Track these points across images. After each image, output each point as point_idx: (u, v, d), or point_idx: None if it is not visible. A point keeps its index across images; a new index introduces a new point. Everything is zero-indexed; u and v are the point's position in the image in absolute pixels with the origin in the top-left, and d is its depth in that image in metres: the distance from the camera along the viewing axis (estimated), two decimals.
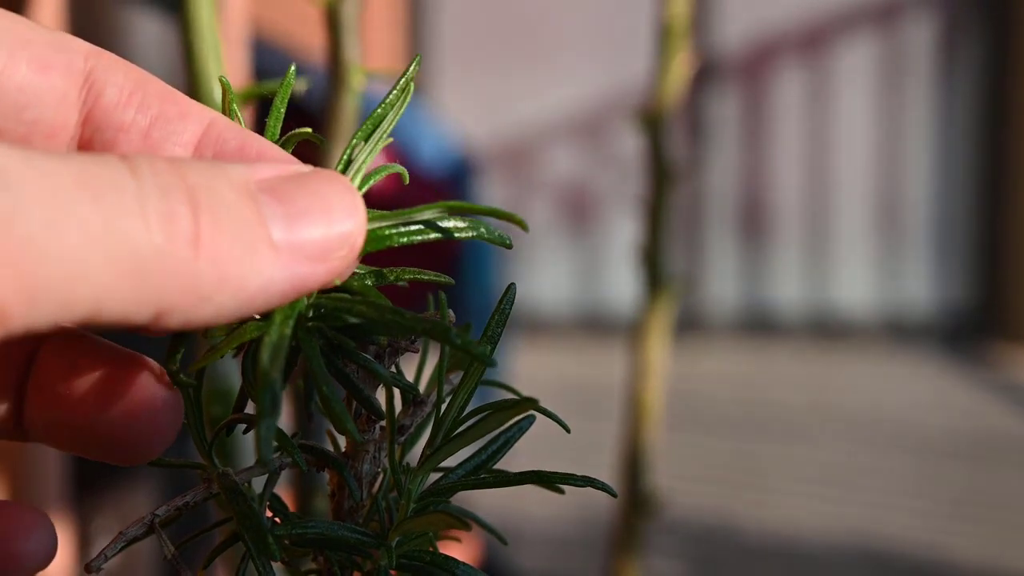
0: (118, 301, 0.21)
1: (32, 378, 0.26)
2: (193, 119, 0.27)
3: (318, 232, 0.23)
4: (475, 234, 0.27)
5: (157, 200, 0.21)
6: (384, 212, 0.26)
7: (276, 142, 0.28)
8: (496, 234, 0.27)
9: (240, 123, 0.28)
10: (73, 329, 0.25)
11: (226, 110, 0.28)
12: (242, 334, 0.24)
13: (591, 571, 1.79)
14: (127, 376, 0.26)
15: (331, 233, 0.24)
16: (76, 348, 0.26)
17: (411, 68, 0.28)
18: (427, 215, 0.26)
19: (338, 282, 0.25)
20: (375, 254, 0.27)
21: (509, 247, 0.28)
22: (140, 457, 0.26)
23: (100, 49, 0.27)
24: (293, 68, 0.27)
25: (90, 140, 0.26)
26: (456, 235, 0.26)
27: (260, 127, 0.28)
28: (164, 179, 0.22)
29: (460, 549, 0.31)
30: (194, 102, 0.27)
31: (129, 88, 0.26)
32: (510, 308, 0.27)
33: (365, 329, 0.25)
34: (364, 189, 0.27)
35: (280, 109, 0.28)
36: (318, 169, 0.25)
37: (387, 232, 0.26)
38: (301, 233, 0.23)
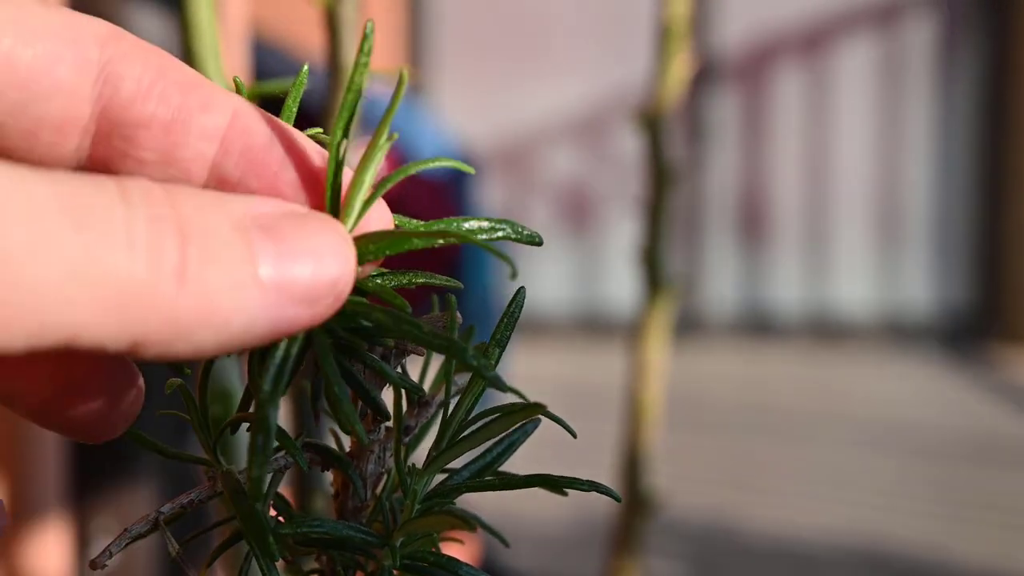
0: (96, 331, 0.21)
1: None
2: (217, 110, 0.26)
3: (306, 275, 0.23)
4: (503, 235, 0.26)
5: (145, 230, 0.21)
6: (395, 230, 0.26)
7: None
8: (524, 233, 0.26)
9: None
10: None
11: None
12: None
13: (590, 571, 1.79)
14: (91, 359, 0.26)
15: (319, 277, 0.23)
16: None
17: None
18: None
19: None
20: None
21: (540, 244, 0.27)
22: (101, 435, 0.27)
23: (119, 32, 0.25)
24: (306, 68, 0.27)
25: (108, 135, 0.25)
26: (481, 237, 0.26)
27: None
28: (156, 209, 0.21)
29: (460, 550, 0.31)
30: (219, 89, 0.26)
31: (148, 79, 0.25)
32: (519, 312, 0.27)
33: (379, 333, 0.25)
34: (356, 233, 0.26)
35: (292, 109, 0.28)
36: (315, 212, 0.25)
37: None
38: (290, 274, 0.23)
